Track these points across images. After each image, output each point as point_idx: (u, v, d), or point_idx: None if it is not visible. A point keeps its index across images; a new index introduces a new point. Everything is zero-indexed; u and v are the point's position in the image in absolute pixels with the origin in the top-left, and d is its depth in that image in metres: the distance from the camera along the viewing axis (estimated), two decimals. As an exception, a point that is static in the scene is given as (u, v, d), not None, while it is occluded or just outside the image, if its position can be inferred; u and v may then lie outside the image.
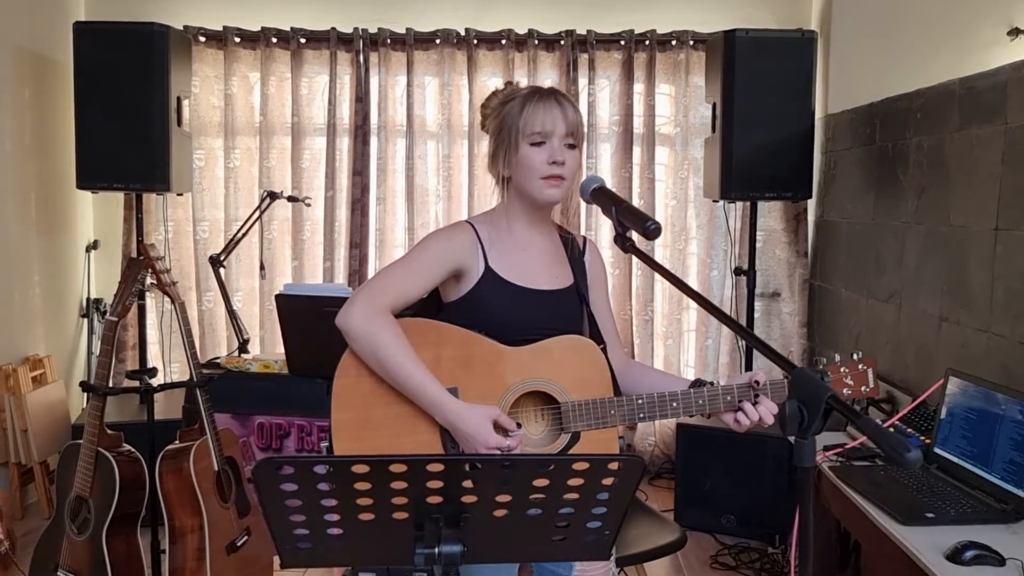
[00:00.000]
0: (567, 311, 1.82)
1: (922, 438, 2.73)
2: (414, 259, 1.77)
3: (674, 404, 1.70)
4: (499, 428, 1.67)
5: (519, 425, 1.70)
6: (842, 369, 1.81)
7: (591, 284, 1.89)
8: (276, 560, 3.04)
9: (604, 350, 1.78)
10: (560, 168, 1.73)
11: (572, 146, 1.76)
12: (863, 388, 1.81)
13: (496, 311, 1.75)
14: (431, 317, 1.78)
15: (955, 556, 1.99)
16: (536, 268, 1.81)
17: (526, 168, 1.74)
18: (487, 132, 1.85)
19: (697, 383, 1.73)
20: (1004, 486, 2.31)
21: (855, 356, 1.81)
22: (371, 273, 4.60)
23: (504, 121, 1.78)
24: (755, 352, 4.15)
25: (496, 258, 1.78)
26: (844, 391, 1.80)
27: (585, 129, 1.84)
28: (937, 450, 2.60)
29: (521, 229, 1.83)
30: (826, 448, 2.75)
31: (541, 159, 1.73)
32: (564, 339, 1.74)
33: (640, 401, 1.71)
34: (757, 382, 1.69)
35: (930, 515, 2.23)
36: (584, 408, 1.70)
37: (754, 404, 1.68)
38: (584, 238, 1.94)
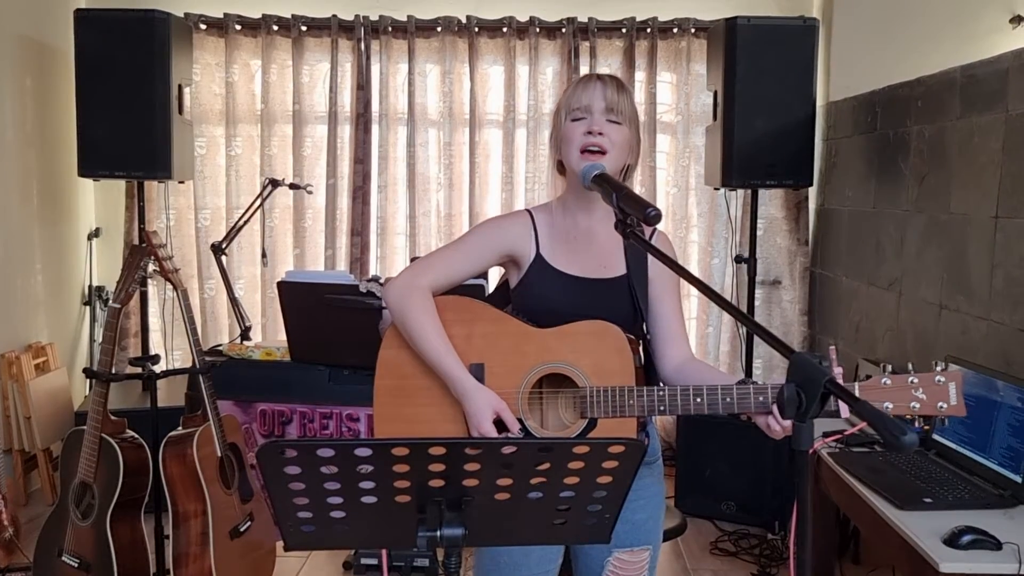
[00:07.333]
0: (613, 301, 1.79)
1: (921, 425, 2.74)
2: (464, 241, 1.85)
3: (698, 400, 1.59)
4: (501, 423, 1.67)
5: (522, 427, 1.69)
6: (911, 379, 1.50)
7: (653, 277, 1.82)
8: (279, 545, 3.06)
9: (644, 341, 1.77)
10: (597, 139, 1.73)
11: (616, 123, 1.75)
12: (940, 405, 1.49)
13: (541, 297, 1.78)
14: (498, 305, 1.83)
15: (952, 540, 2.01)
16: (587, 256, 1.81)
17: (567, 142, 1.76)
18: None
19: (741, 383, 1.61)
20: (1002, 472, 2.32)
21: (937, 366, 1.50)
22: (372, 261, 4.63)
23: (558, 107, 1.82)
24: (756, 340, 4.16)
25: (548, 245, 1.81)
26: (911, 405, 1.49)
27: (637, 110, 1.82)
28: (936, 436, 2.61)
29: (577, 216, 1.83)
30: (825, 435, 2.75)
31: (579, 131, 1.75)
32: (590, 324, 1.72)
33: (661, 393, 1.63)
34: None
35: (928, 500, 2.25)
36: (604, 395, 1.66)
37: None
38: (653, 229, 1.83)
